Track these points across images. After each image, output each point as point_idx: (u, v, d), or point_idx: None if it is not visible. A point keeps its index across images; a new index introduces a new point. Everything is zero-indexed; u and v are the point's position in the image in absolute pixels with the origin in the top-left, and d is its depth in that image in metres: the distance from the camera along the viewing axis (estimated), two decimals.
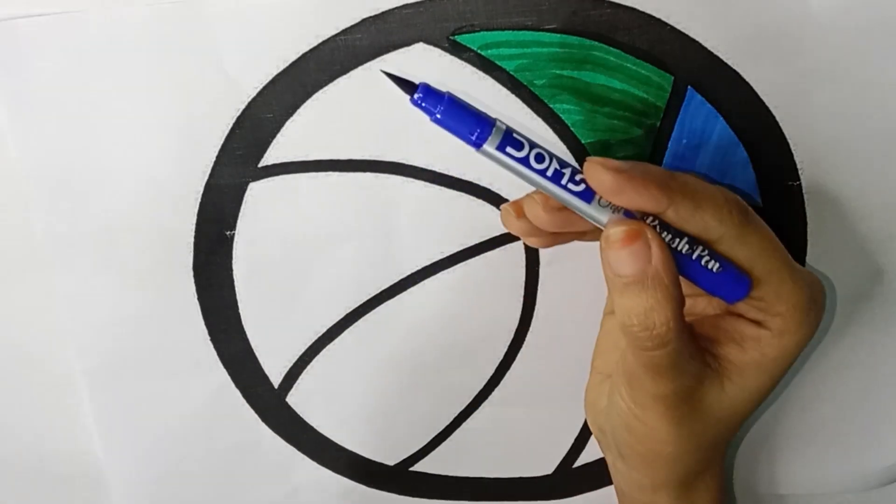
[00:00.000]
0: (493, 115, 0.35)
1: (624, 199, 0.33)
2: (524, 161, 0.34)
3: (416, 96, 0.34)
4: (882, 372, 0.44)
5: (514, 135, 0.34)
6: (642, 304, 0.33)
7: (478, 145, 0.34)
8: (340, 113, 0.40)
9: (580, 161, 0.41)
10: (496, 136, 0.34)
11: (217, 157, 0.40)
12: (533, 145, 0.34)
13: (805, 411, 0.45)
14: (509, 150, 0.34)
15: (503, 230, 0.42)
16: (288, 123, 0.40)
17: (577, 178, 0.34)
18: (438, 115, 0.34)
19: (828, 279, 0.43)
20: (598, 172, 0.33)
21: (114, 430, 0.45)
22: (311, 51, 0.39)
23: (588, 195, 0.34)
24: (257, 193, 0.41)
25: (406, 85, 0.35)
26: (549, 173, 0.34)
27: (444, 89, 0.35)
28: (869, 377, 0.45)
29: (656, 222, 0.34)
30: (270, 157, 0.41)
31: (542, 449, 0.47)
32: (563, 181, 0.34)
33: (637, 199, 0.33)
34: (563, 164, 0.34)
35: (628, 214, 0.34)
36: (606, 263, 0.34)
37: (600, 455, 0.46)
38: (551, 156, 0.34)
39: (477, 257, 0.42)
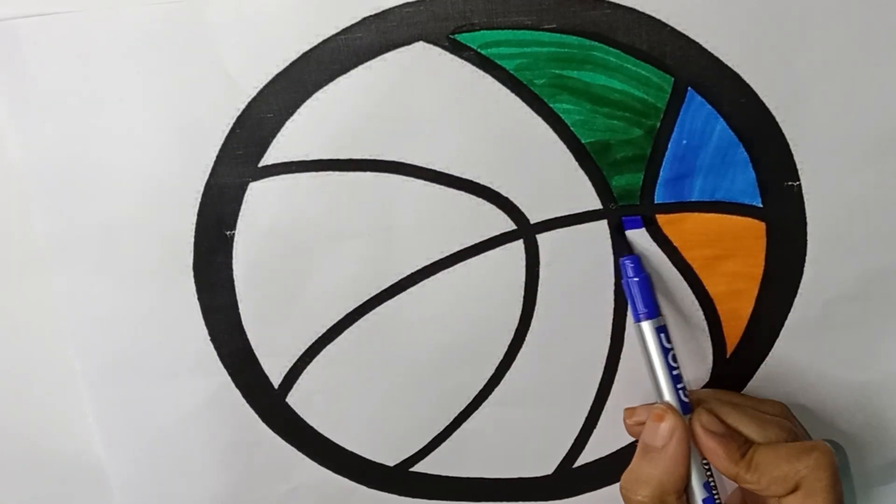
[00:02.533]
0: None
1: (702, 450, 0.40)
2: (665, 351, 0.41)
3: (625, 259, 0.42)
4: (882, 371, 0.45)
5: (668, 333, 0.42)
6: (643, 470, 0.40)
7: (638, 319, 0.41)
8: (340, 113, 0.40)
9: (581, 159, 0.41)
10: (658, 322, 0.41)
11: (217, 157, 0.40)
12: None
13: (805, 410, 0.45)
14: (662, 336, 0.41)
15: (503, 229, 0.42)
16: (288, 123, 0.40)
17: (680, 387, 0.41)
18: (634, 280, 0.42)
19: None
20: (704, 424, 0.40)
21: (114, 430, 0.45)
22: (311, 50, 0.39)
23: (684, 407, 0.41)
24: (257, 193, 0.41)
25: (625, 246, 0.42)
26: (674, 373, 0.41)
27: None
28: (869, 377, 0.45)
29: None
30: (270, 156, 0.41)
31: (542, 449, 0.47)
32: (679, 385, 0.41)
33: (711, 458, 0.40)
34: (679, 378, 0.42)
35: (685, 408, 0.41)
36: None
37: (600, 455, 0.46)
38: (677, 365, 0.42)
39: (477, 257, 0.42)
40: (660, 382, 0.41)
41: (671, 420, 0.40)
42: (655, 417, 0.40)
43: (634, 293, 0.42)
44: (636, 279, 0.42)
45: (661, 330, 0.41)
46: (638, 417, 0.43)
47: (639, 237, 0.42)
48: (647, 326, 0.41)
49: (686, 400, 0.41)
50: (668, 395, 0.41)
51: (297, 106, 0.40)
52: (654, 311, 0.41)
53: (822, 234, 0.42)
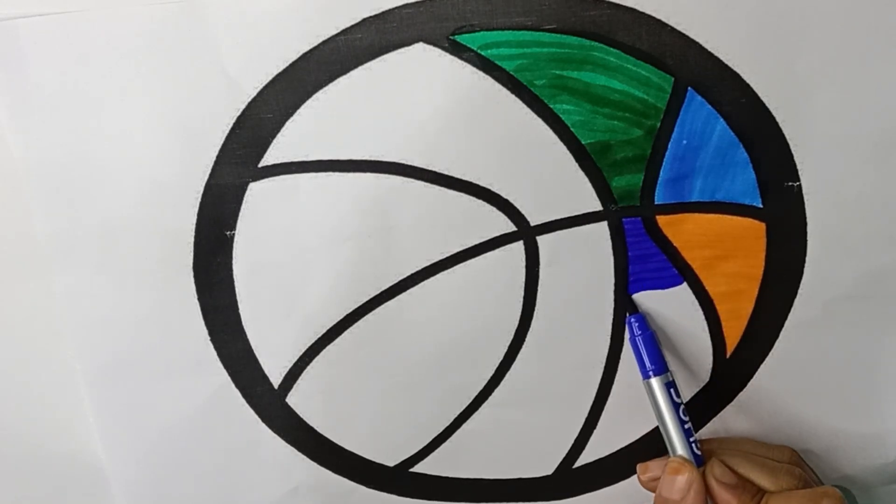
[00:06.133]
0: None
1: (717, 501, 0.41)
2: (676, 406, 0.42)
3: (631, 317, 0.43)
4: (883, 371, 0.44)
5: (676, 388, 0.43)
6: None
7: (647, 376, 0.42)
8: (340, 113, 0.40)
9: (581, 160, 0.41)
10: (666, 378, 0.42)
11: (217, 157, 0.40)
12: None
13: (806, 410, 0.45)
14: (671, 391, 0.42)
15: (503, 230, 0.42)
16: (288, 123, 0.40)
17: (692, 440, 0.42)
18: (640, 337, 0.43)
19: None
20: (717, 476, 0.41)
21: (114, 430, 0.45)
22: (311, 50, 0.39)
23: (697, 459, 0.42)
24: (257, 193, 0.41)
25: (631, 305, 0.43)
26: (685, 427, 0.42)
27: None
28: (870, 377, 0.45)
29: None
30: (270, 157, 0.41)
31: (542, 449, 0.47)
32: (691, 439, 0.42)
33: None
34: (691, 431, 0.42)
35: (698, 460, 0.42)
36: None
37: (600, 455, 0.46)
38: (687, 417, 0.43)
39: (477, 257, 0.42)
40: (672, 437, 0.42)
41: (687, 473, 0.40)
42: (672, 471, 0.41)
43: (642, 350, 0.42)
44: (642, 336, 0.42)
45: (669, 385, 0.42)
46: (652, 473, 0.43)
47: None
48: (656, 383, 0.42)
49: (698, 452, 0.42)
50: (681, 449, 0.42)
51: (297, 106, 0.40)
52: (661, 368, 0.42)
53: (822, 234, 0.42)
